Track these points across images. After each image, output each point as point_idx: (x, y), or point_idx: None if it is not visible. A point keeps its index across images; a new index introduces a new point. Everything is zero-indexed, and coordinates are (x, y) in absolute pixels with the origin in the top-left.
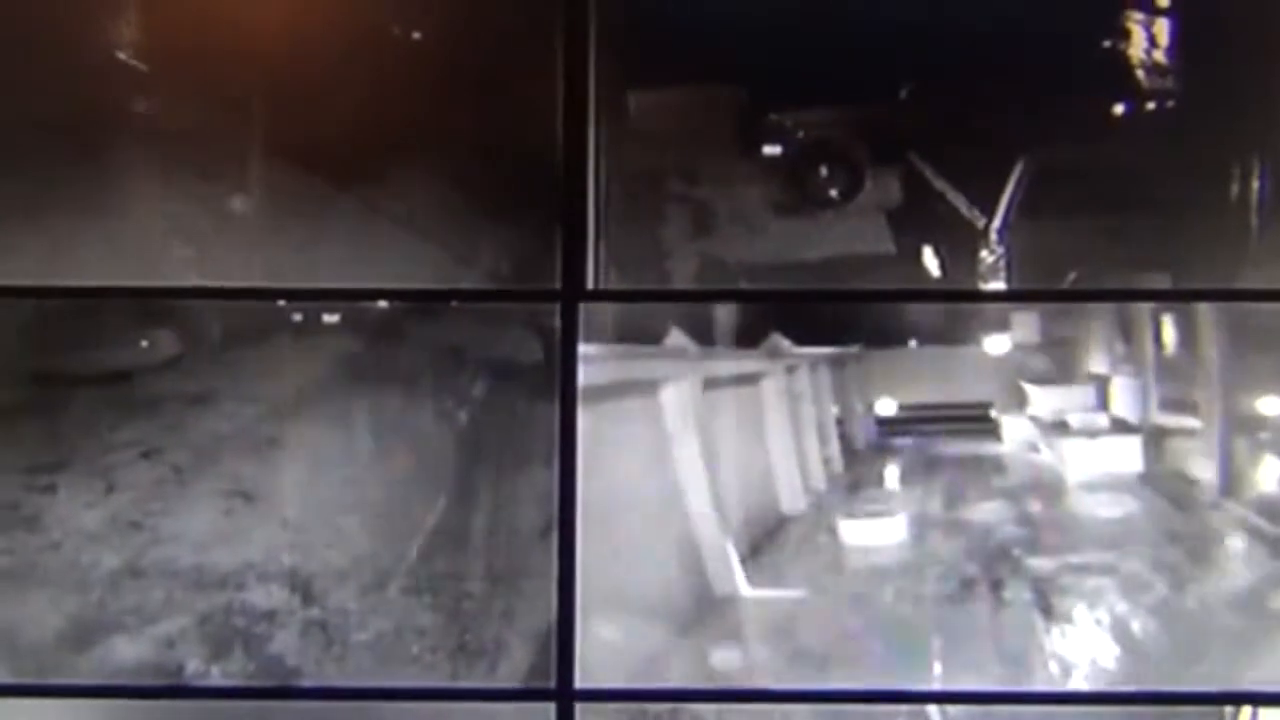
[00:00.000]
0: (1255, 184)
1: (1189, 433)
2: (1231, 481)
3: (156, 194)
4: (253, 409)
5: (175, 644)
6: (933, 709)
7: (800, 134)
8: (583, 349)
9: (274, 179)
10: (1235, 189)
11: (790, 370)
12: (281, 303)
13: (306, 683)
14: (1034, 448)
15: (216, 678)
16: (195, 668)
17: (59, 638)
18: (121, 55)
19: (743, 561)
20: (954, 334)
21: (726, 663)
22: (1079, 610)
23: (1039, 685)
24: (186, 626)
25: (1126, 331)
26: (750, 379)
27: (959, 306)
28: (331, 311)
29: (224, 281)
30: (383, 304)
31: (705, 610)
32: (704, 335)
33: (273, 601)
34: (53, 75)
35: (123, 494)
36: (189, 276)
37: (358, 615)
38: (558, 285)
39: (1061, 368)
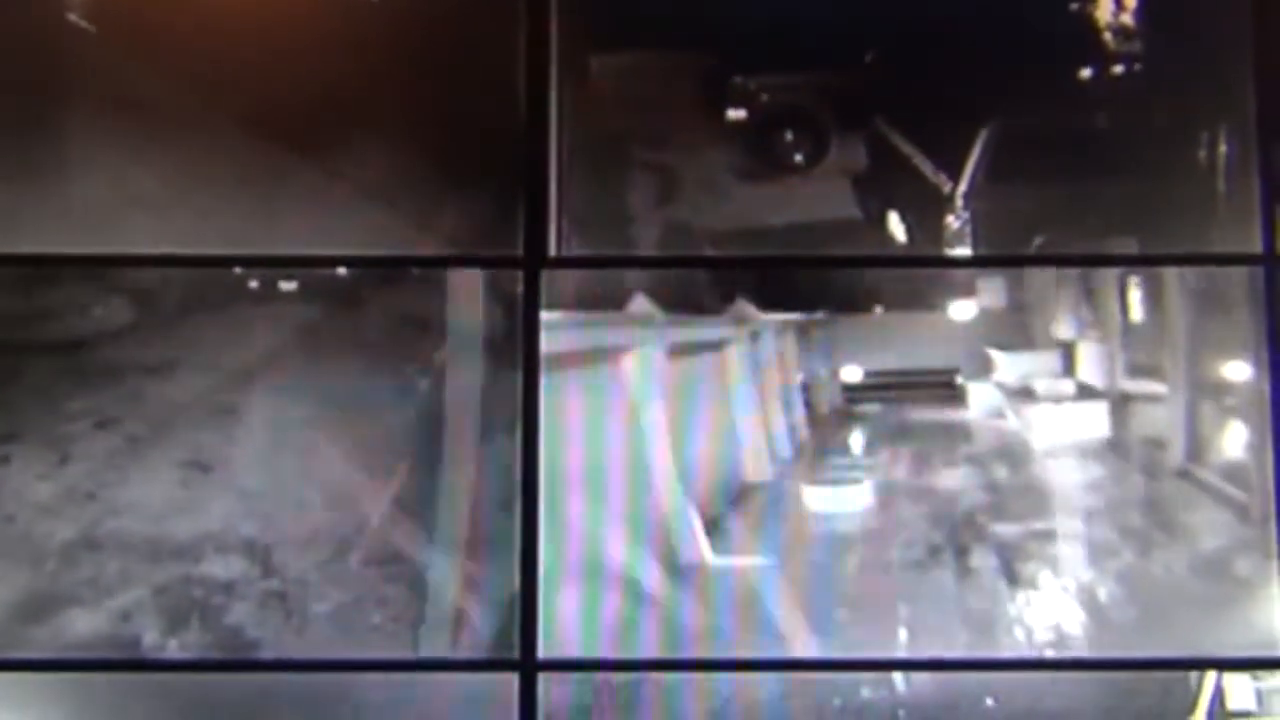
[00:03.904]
0: (1222, 148)
1: (1155, 398)
2: (1197, 447)
3: (110, 160)
4: (209, 378)
5: (132, 616)
6: (898, 676)
7: (765, 98)
8: (545, 316)
9: (230, 145)
10: (1202, 153)
11: (755, 336)
12: (238, 270)
13: (266, 655)
14: (1000, 414)
15: (174, 650)
16: (152, 640)
17: (13, 611)
18: (72, 17)
19: (707, 529)
20: (919, 300)
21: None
22: (1044, 576)
23: (1005, 652)
24: (143, 598)
25: (1092, 297)
26: (715, 345)
27: (924, 272)
28: (289, 279)
29: (180, 249)
30: (341, 271)
31: (670, 579)
32: (668, 302)
33: (230, 573)
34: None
35: (77, 465)
36: (143, 244)
37: (317, 586)
38: (520, 252)
39: (1027, 333)
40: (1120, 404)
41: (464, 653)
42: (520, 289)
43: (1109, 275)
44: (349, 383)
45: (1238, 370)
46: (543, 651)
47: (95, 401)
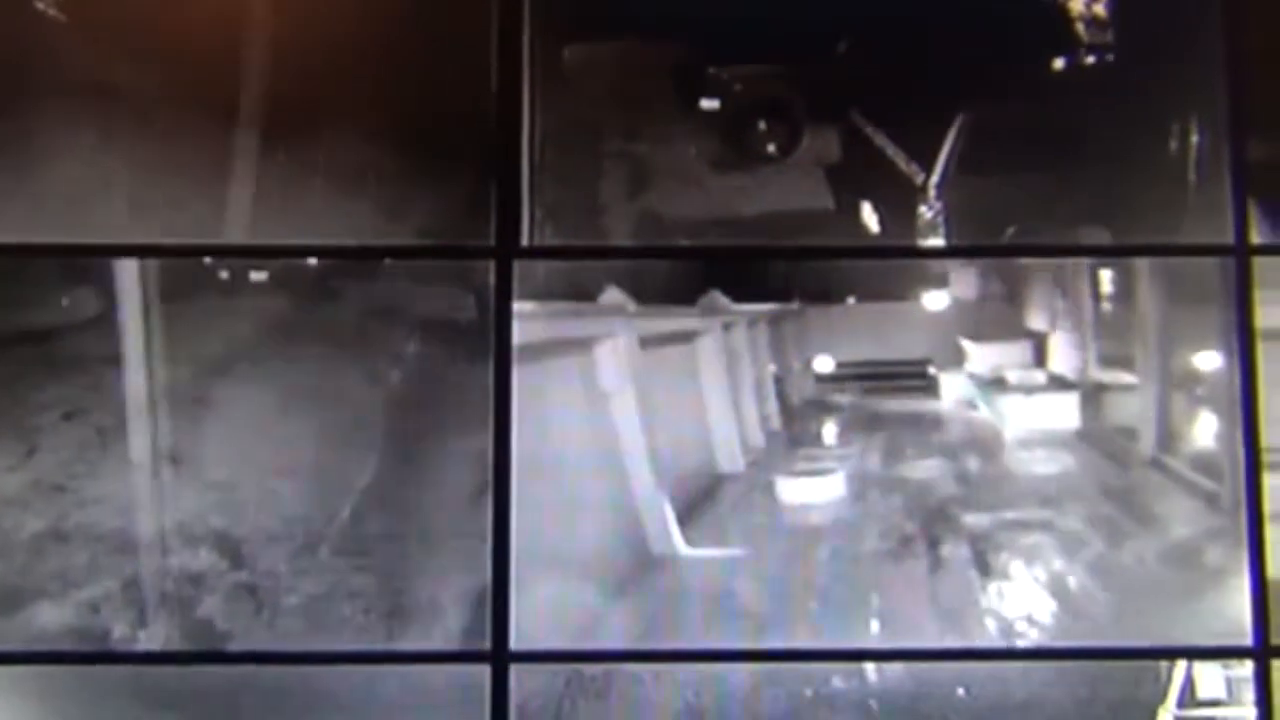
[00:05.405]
0: (1194, 139)
1: (1126, 388)
2: (1168, 437)
3: (80, 149)
4: (179, 369)
5: (101, 609)
6: (870, 666)
7: (738, 88)
8: (517, 306)
9: (200, 135)
10: (1174, 144)
11: (727, 327)
12: (208, 260)
13: (236, 647)
14: (972, 404)
15: (143, 642)
16: (122, 633)
17: None
18: (39, 6)
19: (680, 521)
20: (892, 290)
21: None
22: (1016, 566)
23: (976, 642)
24: (112, 591)
25: (1065, 287)
26: (687, 336)
27: (897, 263)
28: (260, 269)
29: (150, 238)
30: (312, 261)
31: (642, 570)
32: (641, 292)
33: (200, 565)
34: None
35: (45, 456)
36: (113, 233)
37: (288, 578)
38: (492, 242)
39: (999, 324)
40: (1092, 394)
41: (436, 644)
42: (492, 279)
43: (1081, 265)
44: (319, 374)
45: (1209, 360)
46: (514, 643)
47: (63, 392)
